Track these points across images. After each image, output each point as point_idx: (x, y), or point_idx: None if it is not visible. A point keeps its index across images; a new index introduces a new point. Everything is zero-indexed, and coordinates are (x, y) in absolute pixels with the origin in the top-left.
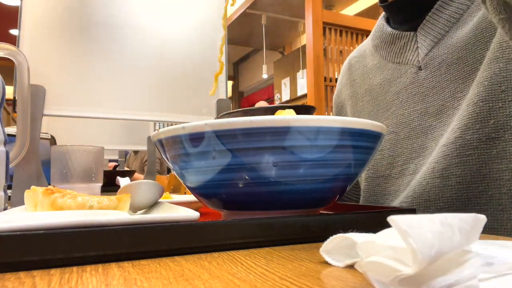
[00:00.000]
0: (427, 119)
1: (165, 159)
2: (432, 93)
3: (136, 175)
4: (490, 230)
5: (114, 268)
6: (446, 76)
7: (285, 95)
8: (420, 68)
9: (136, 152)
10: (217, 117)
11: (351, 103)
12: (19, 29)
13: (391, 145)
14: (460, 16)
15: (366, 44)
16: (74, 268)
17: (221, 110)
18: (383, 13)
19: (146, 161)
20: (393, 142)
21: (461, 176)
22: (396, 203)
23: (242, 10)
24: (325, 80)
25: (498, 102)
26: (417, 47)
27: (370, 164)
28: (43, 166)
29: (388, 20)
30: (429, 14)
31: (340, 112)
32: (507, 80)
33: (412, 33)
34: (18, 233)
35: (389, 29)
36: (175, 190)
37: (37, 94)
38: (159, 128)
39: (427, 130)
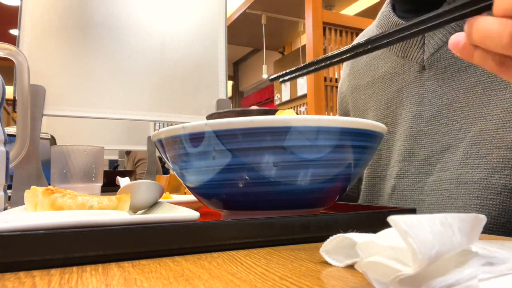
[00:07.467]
0: (419, 123)
1: (165, 159)
2: (431, 96)
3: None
4: None
5: (114, 268)
6: (449, 82)
7: (285, 95)
8: (424, 68)
9: (128, 153)
10: (207, 117)
11: (353, 97)
12: (19, 29)
13: (388, 146)
14: None
15: (371, 30)
16: (74, 268)
17: None
18: None
19: (138, 161)
20: (391, 142)
21: None
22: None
23: (242, 10)
24: (325, 80)
25: None
26: (423, 43)
27: (370, 163)
28: (43, 166)
29: (394, 7)
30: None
31: (342, 103)
32: None
33: None
34: (18, 233)
35: (395, 18)
36: (175, 190)
37: (37, 94)
38: (159, 128)
39: (416, 134)
